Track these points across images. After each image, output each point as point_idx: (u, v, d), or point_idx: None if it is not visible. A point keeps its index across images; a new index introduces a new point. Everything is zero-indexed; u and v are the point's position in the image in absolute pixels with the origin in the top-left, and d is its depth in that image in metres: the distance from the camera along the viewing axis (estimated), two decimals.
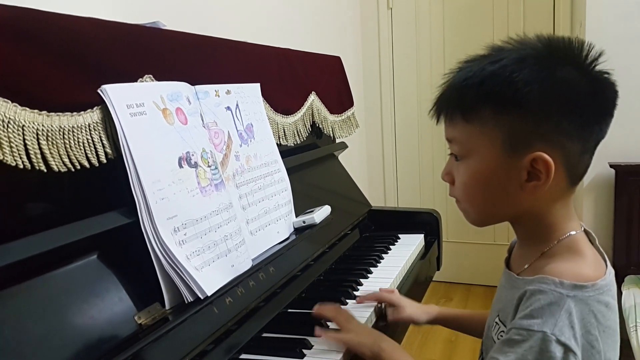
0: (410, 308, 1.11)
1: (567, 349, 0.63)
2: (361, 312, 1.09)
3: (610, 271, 0.73)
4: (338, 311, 1.01)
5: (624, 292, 2.12)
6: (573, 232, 0.74)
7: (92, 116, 0.79)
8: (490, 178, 0.73)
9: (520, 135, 0.69)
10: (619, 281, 2.24)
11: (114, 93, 0.81)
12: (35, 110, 0.71)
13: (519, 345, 0.65)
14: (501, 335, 0.75)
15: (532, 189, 0.70)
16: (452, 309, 1.14)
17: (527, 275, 0.74)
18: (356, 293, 1.21)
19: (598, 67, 0.70)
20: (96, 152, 0.79)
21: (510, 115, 0.69)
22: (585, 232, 0.77)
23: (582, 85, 0.68)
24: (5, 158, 0.67)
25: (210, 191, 0.95)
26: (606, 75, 0.70)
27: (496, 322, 0.78)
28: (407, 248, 1.53)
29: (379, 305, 1.14)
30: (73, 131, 0.76)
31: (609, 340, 0.68)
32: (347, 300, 1.16)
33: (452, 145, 0.77)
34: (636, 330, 1.84)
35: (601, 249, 0.76)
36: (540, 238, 0.75)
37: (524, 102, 0.67)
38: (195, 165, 0.92)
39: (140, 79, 0.90)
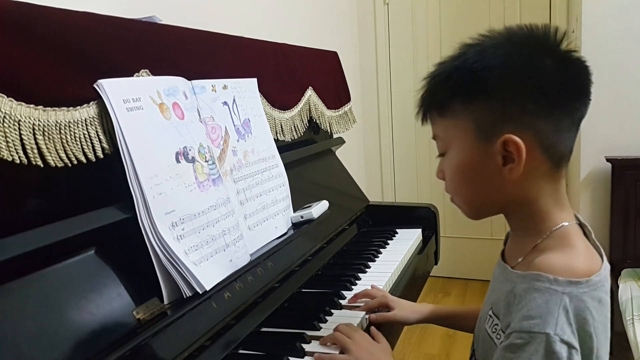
0: (399, 310, 1.09)
1: (570, 347, 0.63)
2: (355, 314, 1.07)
3: (606, 266, 0.72)
4: (338, 334, 0.95)
5: (620, 286, 2.13)
6: (565, 224, 0.73)
7: (89, 111, 0.79)
8: (470, 168, 0.74)
9: (488, 121, 0.71)
10: (616, 275, 2.25)
11: (110, 88, 0.81)
12: (32, 105, 0.71)
13: (523, 350, 0.64)
14: (495, 328, 0.74)
15: (509, 172, 0.71)
16: (444, 306, 1.13)
17: (521, 269, 0.73)
18: (354, 287, 1.21)
19: (566, 47, 0.70)
20: (93, 147, 0.79)
21: (477, 103, 0.71)
22: (581, 225, 0.76)
23: (545, 65, 0.69)
24: (2, 153, 0.67)
25: (208, 186, 0.94)
26: (573, 53, 0.71)
27: (489, 315, 0.77)
28: (404, 243, 1.53)
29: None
30: (69, 126, 0.76)
31: (601, 337, 0.68)
32: (346, 294, 1.16)
33: (437, 143, 0.79)
34: (633, 323, 1.85)
35: (597, 243, 0.76)
36: (532, 229, 0.75)
37: (487, 88, 0.70)
38: (193, 160, 0.92)
39: (137, 73, 0.90)
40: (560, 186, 0.75)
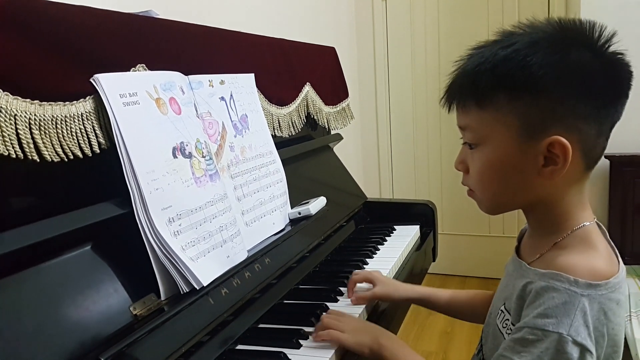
0: (381, 286, 1.10)
1: (583, 349, 0.63)
2: (353, 310, 1.07)
3: (623, 267, 0.72)
4: (327, 318, 0.96)
5: None
6: (587, 223, 0.72)
7: (85, 106, 0.79)
8: (507, 165, 0.72)
9: (535, 119, 0.68)
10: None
11: (106, 82, 0.81)
12: (28, 100, 0.70)
13: (534, 346, 0.64)
14: (506, 323, 0.74)
15: (550, 174, 0.69)
16: (420, 287, 1.13)
17: (539, 266, 0.72)
18: None
19: (611, 48, 0.69)
20: (89, 142, 0.79)
21: (525, 99, 0.68)
22: (597, 224, 0.76)
23: (596, 67, 0.67)
24: None
25: (205, 182, 0.94)
26: (620, 56, 0.70)
27: (502, 310, 0.77)
28: (402, 239, 1.52)
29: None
30: (66, 121, 0.75)
31: (615, 337, 0.68)
32: (343, 290, 1.16)
33: (466, 133, 0.76)
34: (630, 320, 1.86)
35: (611, 242, 0.75)
36: (553, 227, 0.74)
37: (539, 85, 0.67)
38: (190, 156, 0.92)
39: (133, 68, 0.90)
40: (584, 186, 0.74)
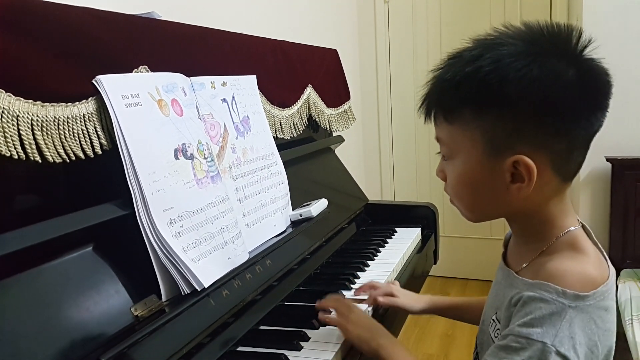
0: (404, 297, 1.11)
1: None
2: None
3: (613, 272, 0.71)
4: (339, 300, 1.01)
5: (619, 286, 2.13)
6: (572, 228, 0.72)
7: (87, 107, 0.79)
8: (476, 180, 0.71)
9: (500, 136, 0.67)
10: (615, 275, 2.25)
11: (109, 83, 0.81)
12: (30, 101, 0.70)
13: (517, 353, 0.64)
14: (497, 333, 0.74)
15: (517, 191, 0.69)
16: (446, 297, 1.14)
17: (526, 275, 0.72)
18: (353, 286, 1.20)
19: (588, 55, 0.67)
20: (91, 143, 0.79)
21: (490, 116, 0.67)
22: (582, 226, 0.75)
23: (567, 78, 0.65)
24: (0, 148, 0.66)
25: (207, 183, 0.94)
26: (597, 63, 0.67)
27: (493, 320, 0.76)
28: (404, 242, 1.52)
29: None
30: (68, 122, 0.76)
31: (607, 342, 0.68)
32: (344, 293, 1.16)
33: (440, 145, 0.76)
34: (632, 324, 1.85)
35: (599, 245, 0.74)
36: (537, 235, 0.73)
37: (503, 103, 0.65)
38: (191, 157, 0.92)
39: (136, 69, 0.90)
40: (566, 195, 0.73)
